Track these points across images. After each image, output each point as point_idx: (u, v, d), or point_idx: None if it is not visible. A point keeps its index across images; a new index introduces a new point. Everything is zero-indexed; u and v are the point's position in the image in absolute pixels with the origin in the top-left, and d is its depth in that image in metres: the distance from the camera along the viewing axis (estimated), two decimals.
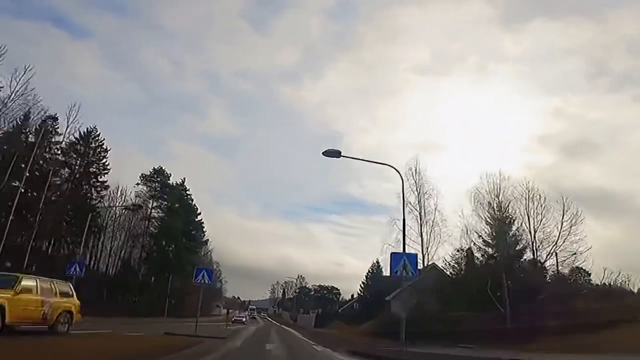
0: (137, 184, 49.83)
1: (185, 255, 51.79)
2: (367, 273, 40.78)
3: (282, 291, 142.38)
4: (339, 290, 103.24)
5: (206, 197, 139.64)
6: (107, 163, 50.40)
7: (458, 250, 36.46)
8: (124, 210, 45.71)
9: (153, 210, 49.23)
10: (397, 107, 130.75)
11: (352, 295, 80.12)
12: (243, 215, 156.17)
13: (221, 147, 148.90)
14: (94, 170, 50.36)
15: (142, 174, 49.98)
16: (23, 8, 78.80)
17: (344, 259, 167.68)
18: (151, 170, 51.03)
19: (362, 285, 40.62)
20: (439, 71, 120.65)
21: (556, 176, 74.09)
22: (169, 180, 51.19)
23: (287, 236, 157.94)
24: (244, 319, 47.02)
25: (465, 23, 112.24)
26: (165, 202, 49.82)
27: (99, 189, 50.13)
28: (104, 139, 51.15)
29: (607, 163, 77.20)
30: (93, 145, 50.82)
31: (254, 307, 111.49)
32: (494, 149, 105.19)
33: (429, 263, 39.98)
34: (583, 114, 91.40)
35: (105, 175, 49.70)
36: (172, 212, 49.69)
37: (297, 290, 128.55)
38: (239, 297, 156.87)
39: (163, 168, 51.34)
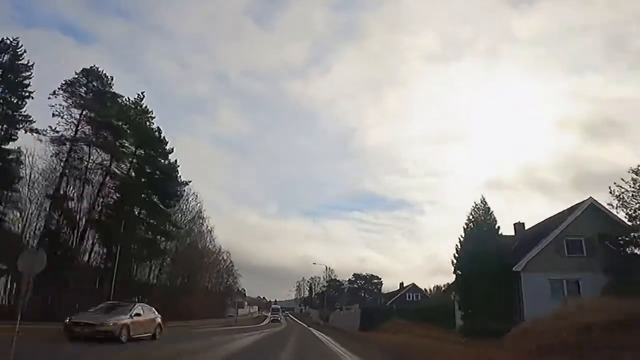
0: (54, 93, 30.57)
1: (152, 219, 33.27)
2: (466, 226, 20.69)
3: (308, 288, 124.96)
4: (380, 279, 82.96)
5: (224, 198, 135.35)
6: (28, 84, 32.42)
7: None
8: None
9: (82, 141, 29.36)
10: (408, 97, 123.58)
11: (401, 284, 60.28)
12: (263, 216, 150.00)
13: (235, 147, 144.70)
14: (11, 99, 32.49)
15: (65, 80, 30.20)
16: (32, 18, 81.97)
17: (368, 255, 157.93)
18: (77, 73, 30.58)
19: (457, 250, 20.73)
20: (449, 57, 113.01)
21: (583, 159, 73.62)
22: (111, 88, 31.62)
23: (309, 235, 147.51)
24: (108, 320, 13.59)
25: (473, 6, 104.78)
26: (102, 121, 29.84)
27: (19, 124, 32.23)
28: (24, 52, 33.21)
29: (636, 141, 69.70)
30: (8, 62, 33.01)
31: (279, 306, 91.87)
32: (513, 136, 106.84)
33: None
34: (604, 93, 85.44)
35: (27, 100, 31.66)
36: (118, 142, 30.60)
37: (325, 285, 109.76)
38: (264, 297, 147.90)
39: (99, 69, 31.33)
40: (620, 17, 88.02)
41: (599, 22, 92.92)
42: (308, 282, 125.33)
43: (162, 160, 33.84)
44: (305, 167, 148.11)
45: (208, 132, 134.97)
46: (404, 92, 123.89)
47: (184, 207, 54.13)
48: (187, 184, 38.90)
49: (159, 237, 35.65)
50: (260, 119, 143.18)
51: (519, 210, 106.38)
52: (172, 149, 34.82)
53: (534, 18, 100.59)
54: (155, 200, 34.09)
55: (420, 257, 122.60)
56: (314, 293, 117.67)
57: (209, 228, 59.72)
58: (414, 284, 55.53)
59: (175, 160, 35.01)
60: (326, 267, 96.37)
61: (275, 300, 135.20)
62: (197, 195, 55.78)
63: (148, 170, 32.92)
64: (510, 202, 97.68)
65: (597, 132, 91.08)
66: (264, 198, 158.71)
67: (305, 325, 58.27)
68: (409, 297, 52.59)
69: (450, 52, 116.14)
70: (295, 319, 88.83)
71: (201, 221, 56.90)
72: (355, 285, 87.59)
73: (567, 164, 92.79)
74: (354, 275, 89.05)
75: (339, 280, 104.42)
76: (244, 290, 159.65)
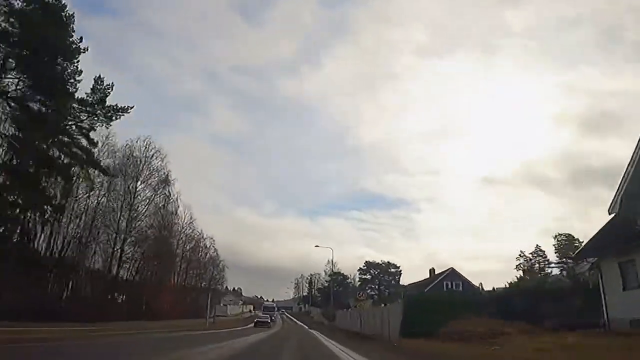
0: None
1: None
2: None
3: (307, 285, 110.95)
4: (398, 267, 68.29)
5: (222, 198, 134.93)
6: None
7: None
8: None
9: None
10: (404, 94, 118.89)
11: (432, 270, 45.85)
12: (261, 215, 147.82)
13: (231, 146, 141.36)
14: None
15: None
16: None
17: (366, 253, 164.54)
18: None
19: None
20: (443, 52, 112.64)
21: (580, 154, 76.40)
22: None
23: (308, 234, 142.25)
24: None
25: None
26: None
27: None
28: None
29: (634, 134, 53.29)
30: None
31: (274, 304, 74.59)
32: (509, 132, 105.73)
33: None
34: (600, 86, 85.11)
35: None
36: None
37: (328, 279, 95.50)
38: (261, 297, 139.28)
39: None
40: (614, 9, 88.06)
41: (592, 14, 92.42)
42: (307, 278, 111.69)
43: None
44: (303, 166, 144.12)
45: (204, 132, 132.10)
46: (400, 89, 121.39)
47: (140, 165, 39.82)
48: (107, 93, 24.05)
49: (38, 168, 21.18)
50: (257, 117, 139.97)
51: (516, 206, 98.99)
52: (81, 38, 20.31)
53: (526, 11, 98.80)
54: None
55: (418, 255, 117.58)
56: (314, 289, 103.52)
57: (174, 196, 45.00)
58: (452, 269, 41.18)
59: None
60: (329, 260, 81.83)
61: (273, 299, 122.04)
62: (160, 152, 41.63)
63: None
64: (507, 199, 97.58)
65: (594, 125, 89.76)
66: (262, 198, 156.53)
67: (306, 327, 44.29)
68: (448, 286, 38.41)
69: (443, 46, 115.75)
70: (294, 319, 74.75)
71: (166, 186, 42.52)
72: (367, 276, 72.35)
73: (565, 159, 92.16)
74: (366, 263, 73.71)
75: (343, 274, 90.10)
76: (240, 289, 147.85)
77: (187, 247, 60.39)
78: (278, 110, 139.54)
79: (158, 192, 41.78)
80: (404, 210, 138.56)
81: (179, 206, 47.72)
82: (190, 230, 60.16)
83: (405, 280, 69.20)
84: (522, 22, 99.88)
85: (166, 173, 42.11)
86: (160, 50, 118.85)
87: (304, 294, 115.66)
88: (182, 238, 58.97)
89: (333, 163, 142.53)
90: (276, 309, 62.04)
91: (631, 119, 73.90)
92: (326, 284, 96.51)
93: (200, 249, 65.53)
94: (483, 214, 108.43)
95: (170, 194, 43.49)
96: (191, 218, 60.20)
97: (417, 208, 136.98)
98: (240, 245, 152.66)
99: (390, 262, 71.23)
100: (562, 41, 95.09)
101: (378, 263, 72.21)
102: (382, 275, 70.95)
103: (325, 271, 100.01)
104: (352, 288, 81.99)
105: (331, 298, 53.34)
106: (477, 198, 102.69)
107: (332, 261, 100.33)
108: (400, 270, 68.81)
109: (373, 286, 70.64)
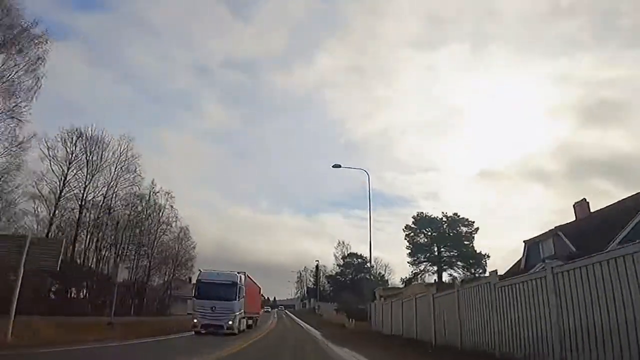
0: None
1: None
2: None
3: (313, 277, 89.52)
4: (472, 223, 43.08)
5: (220, 197, 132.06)
6: None
7: None
8: None
9: None
10: (398, 88, 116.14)
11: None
12: (257, 212, 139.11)
13: (228, 143, 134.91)
14: None
15: None
16: None
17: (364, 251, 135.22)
18: None
19: None
20: (437, 44, 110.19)
21: (579, 145, 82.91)
22: None
23: (308, 232, 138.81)
24: None
25: None
26: None
27: None
28: None
29: (633, 123, 71.74)
30: None
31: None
32: (505, 124, 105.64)
33: None
34: (596, 75, 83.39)
35: None
36: None
37: (341, 262, 72.62)
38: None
39: None
40: None
41: (587, 1, 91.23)
42: (311, 271, 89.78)
43: None
44: (301, 163, 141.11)
45: (197, 129, 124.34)
46: (395, 84, 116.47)
47: None
48: None
49: None
50: (253, 114, 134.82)
51: (515, 200, 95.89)
52: None
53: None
54: None
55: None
56: (322, 277, 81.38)
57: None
58: None
59: None
60: (339, 242, 58.47)
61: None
62: None
63: None
64: (506, 192, 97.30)
65: (591, 115, 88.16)
66: (259, 195, 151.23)
67: (319, 334, 21.92)
68: None
69: (437, 38, 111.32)
70: (297, 318, 52.28)
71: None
72: (421, 238, 43.66)
73: (563, 150, 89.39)
74: (415, 219, 43.29)
75: (362, 256, 66.65)
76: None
77: (119, 201, 37.16)
78: (275, 106, 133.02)
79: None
80: (404, 208, 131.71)
81: None
82: (130, 174, 37.16)
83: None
84: (515, 11, 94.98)
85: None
86: (151, 46, 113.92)
87: (309, 285, 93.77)
88: (112, 178, 35.71)
89: (331, 160, 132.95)
90: (242, 290, 16.14)
91: (630, 108, 74.03)
92: (340, 267, 73.89)
93: (151, 209, 42.13)
94: (482, 209, 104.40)
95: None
96: (131, 152, 37.59)
97: (417, 205, 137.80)
98: (237, 243, 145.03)
99: (458, 214, 43.82)
100: (557, 29, 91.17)
101: (435, 218, 44.44)
102: (443, 238, 44.42)
103: (335, 255, 77.51)
104: (373, 279, 58.58)
105: (369, 276, 29.31)
106: (476, 193, 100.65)
107: (342, 246, 76.82)
108: (477, 227, 42.98)
109: (430, 255, 43.85)
